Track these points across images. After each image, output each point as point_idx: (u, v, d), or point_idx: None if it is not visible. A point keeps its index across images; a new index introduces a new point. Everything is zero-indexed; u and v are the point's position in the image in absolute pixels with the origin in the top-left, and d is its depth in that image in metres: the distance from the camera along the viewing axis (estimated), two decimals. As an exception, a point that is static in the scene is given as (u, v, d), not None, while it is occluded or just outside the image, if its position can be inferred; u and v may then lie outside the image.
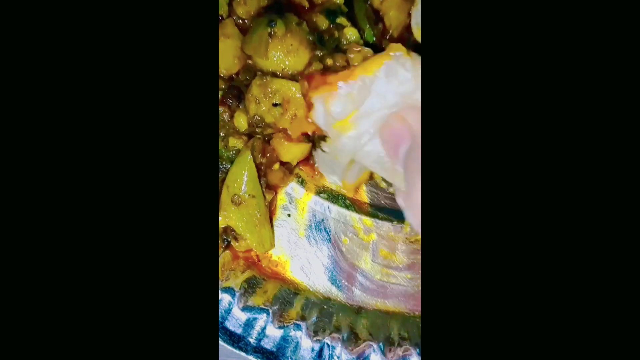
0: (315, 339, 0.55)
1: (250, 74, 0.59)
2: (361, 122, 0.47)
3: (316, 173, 0.61)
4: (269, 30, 0.56)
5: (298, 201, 0.61)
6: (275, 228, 0.60)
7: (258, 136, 0.59)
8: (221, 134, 0.59)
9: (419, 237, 0.57)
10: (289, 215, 0.61)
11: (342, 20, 0.61)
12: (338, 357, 0.54)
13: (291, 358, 0.54)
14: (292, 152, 0.58)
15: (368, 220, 0.60)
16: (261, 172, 0.59)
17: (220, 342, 0.54)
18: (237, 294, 0.56)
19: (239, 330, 0.55)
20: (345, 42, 0.60)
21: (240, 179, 0.58)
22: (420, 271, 0.58)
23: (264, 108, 0.56)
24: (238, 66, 0.59)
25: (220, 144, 0.59)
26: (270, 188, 0.60)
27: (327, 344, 0.55)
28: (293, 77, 0.58)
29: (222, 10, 0.60)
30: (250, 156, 0.57)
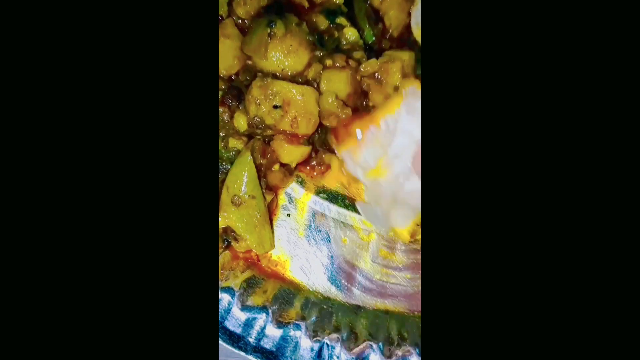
0: (314, 339, 0.55)
1: (250, 75, 0.59)
2: (394, 163, 0.48)
3: (315, 173, 0.61)
4: (269, 30, 0.57)
5: (297, 201, 0.61)
6: (275, 228, 0.61)
7: (258, 137, 0.59)
8: (221, 134, 0.59)
9: (419, 237, 0.57)
10: (288, 215, 0.61)
11: (341, 20, 0.61)
12: (337, 357, 0.54)
13: (290, 358, 0.54)
14: (292, 154, 0.59)
15: (368, 221, 0.60)
16: (261, 173, 0.59)
17: (220, 342, 0.54)
18: (237, 294, 0.56)
19: (238, 330, 0.55)
20: (345, 43, 0.60)
21: (240, 179, 0.58)
22: (420, 271, 0.58)
23: (264, 110, 0.56)
24: (238, 66, 0.59)
25: (220, 145, 0.59)
26: (270, 189, 0.60)
27: (326, 343, 0.55)
28: (293, 78, 0.58)
29: (222, 10, 0.60)
30: (250, 157, 0.57)
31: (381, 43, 0.62)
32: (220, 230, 0.58)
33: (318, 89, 0.58)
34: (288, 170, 0.60)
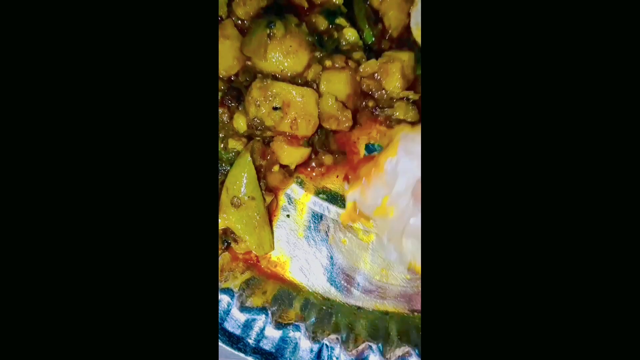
0: (314, 340, 0.55)
1: (250, 76, 0.59)
2: (399, 201, 0.52)
3: (314, 174, 0.61)
4: (268, 31, 0.56)
5: (297, 202, 0.61)
6: (274, 229, 0.60)
7: (258, 138, 0.59)
8: (220, 135, 0.59)
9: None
10: (288, 216, 0.61)
11: (341, 20, 0.60)
12: (337, 358, 0.54)
13: (290, 359, 0.54)
14: (291, 155, 0.58)
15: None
16: (261, 174, 0.59)
17: (220, 343, 0.54)
18: (236, 295, 0.56)
19: (238, 331, 0.55)
20: (344, 43, 0.60)
21: (239, 181, 0.57)
22: (420, 271, 0.58)
23: (264, 111, 0.56)
24: (237, 67, 0.59)
25: (220, 146, 0.58)
26: (270, 190, 0.60)
27: (325, 344, 0.55)
28: (293, 79, 0.58)
29: (222, 11, 0.59)
30: (249, 158, 0.57)
31: (381, 44, 0.62)
32: (220, 232, 0.58)
33: (318, 90, 0.57)
34: (288, 172, 0.60)
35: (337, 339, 0.55)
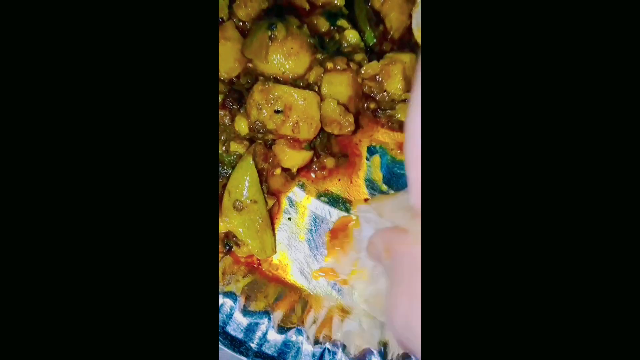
0: (316, 345, 0.55)
1: (251, 78, 0.58)
2: (364, 263, 0.57)
3: (314, 176, 0.61)
4: (270, 33, 0.56)
5: (298, 204, 0.61)
6: (275, 232, 0.60)
7: (259, 141, 0.58)
8: (222, 138, 0.58)
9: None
10: (289, 219, 0.60)
11: (342, 22, 0.60)
12: (339, 362, 0.54)
13: (292, 363, 0.54)
14: (293, 158, 0.58)
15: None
16: (263, 177, 0.58)
17: (222, 347, 0.54)
18: (238, 298, 0.56)
19: (240, 335, 0.55)
20: (346, 45, 0.60)
21: (242, 184, 0.57)
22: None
23: (265, 114, 0.56)
24: (238, 69, 0.59)
25: (221, 149, 0.58)
26: (272, 194, 0.60)
27: (327, 349, 0.55)
28: (294, 81, 0.58)
29: (223, 12, 0.59)
30: (252, 161, 0.57)
31: (382, 45, 0.62)
32: (221, 235, 0.58)
33: (319, 92, 0.57)
34: (290, 175, 0.60)
35: (338, 343, 0.55)
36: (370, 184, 0.61)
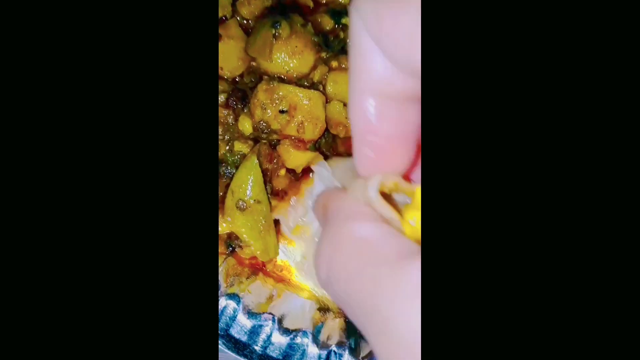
0: (321, 347, 0.54)
1: (255, 77, 0.58)
2: (313, 222, 0.58)
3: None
4: (273, 31, 0.56)
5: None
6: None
7: (264, 141, 0.58)
8: (225, 137, 0.58)
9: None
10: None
11: (347, 20, 0.60)
12: (344, 365, 0.53)
13: (297, 366, 0.53)
14: (298, 159, 0.58)
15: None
16: (267, 177, 0.58)
17: (225, 350, 0.53)
18: (242, 300, 0.55)
19: (244, 338, 0.54)
20: (351, 43, 0.59)
21: (245, 183, 0.56)
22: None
23: (270, 114, 0.55)
24: (242, 68, 0.58)
25: (225, 149, 0.58)
26: (276, 194, 0.59)
27: (333, 351, 0.54)
28: (299, 80, 0.57)
29: (226, 10, 0.59)
30: (256, 161, 0.56)
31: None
32: (224, 237, 0.57)
33: (324, 91, 0.57)
34: (294, 176, 0.59)
35: (345, 345, 0.54)
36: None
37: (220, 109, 0.57)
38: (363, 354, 0.53)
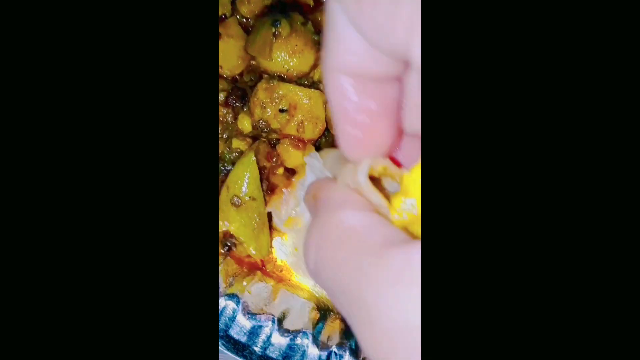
0: (322, 347, 0.54)
1: (255, 75, 0.58)
2: (305, 214, 0.58)
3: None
4: (273, 30, 0.55)
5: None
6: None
7: (263, 139, 0.57)
8: (224, 135, 0.57)
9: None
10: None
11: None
12: (345, 365, 0.53)
13: (298, 367, 0.53)
14: (297, 159, 0.57)
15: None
16: (264, 175, 0.58)
17: (225, 351, 0.53)
18: (242, 301, 0.55)
19: (243, 339, 0.54)
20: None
21: (241, 180, 0.56)
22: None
23: (269, 113, 0.55)
24: (242, 67, 0.58)
25: (223, 146, 0.57)
26: (272, 192, 0.59)
27: (334, 352, 0.54)
28: (299, 79, 0.57)
29: (226, 9, 0.58)
30: (253, 157, 0.56)
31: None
32: (220, 235, 0.57)
33: (324, 91, 0.56)
34: (292, 175, 0.59)
35: (345, 346, 0.54)
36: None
37: (219, 107, 0.57)
38: (364, 354, 0.53)
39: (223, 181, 0.57)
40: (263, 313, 0.55)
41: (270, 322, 0.54)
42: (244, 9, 0.58)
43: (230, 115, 0.57)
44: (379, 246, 0.28)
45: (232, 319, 0.54)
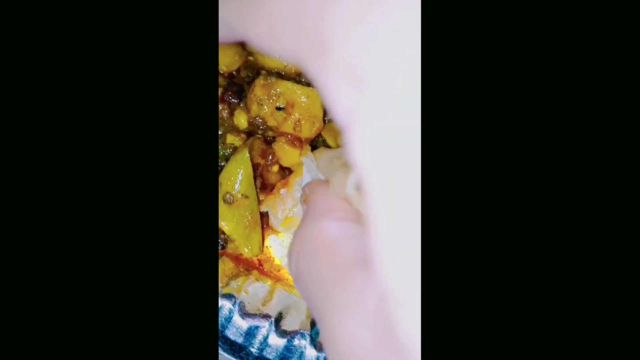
0: (319, 349, 0.54)
1: (252, 71, 0.57)
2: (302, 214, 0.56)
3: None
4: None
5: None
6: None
7: (259, 136, 0.57)
8: (219, 131, 0.56)
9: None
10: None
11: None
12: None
13: (295, 368, 0.53)
14: (293, 157, 0.57)
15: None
16: (257, 172, 0.57)
17: (221, 352, 0.53)
18: (238, 301, 0.55)
19: (240, 340, 0.53)
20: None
21: (234, 177, 0.55)
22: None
23: (266, 110, 0.54)
24: (239, 63, 0.57)
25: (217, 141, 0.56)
26: (265, 189, 0.58)
27: (332, 353, 0.54)
28: (297, 76, 0.56)
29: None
30: (247, 154, 0.55)
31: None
32: (213, 233, 0.56)
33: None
34: (288, 173, 0.59)
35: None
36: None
37: (216, 103, 0.56)
38: None
39: (216, 177, 0.56)
40: (260, 313, 0.54)
41: (267, 323, 0.54)
42: (243, 5, 0.57)
43: (226, 111, 0.56)
44: (348, 263, 0.27)
45: (229, 319, 0.53)
